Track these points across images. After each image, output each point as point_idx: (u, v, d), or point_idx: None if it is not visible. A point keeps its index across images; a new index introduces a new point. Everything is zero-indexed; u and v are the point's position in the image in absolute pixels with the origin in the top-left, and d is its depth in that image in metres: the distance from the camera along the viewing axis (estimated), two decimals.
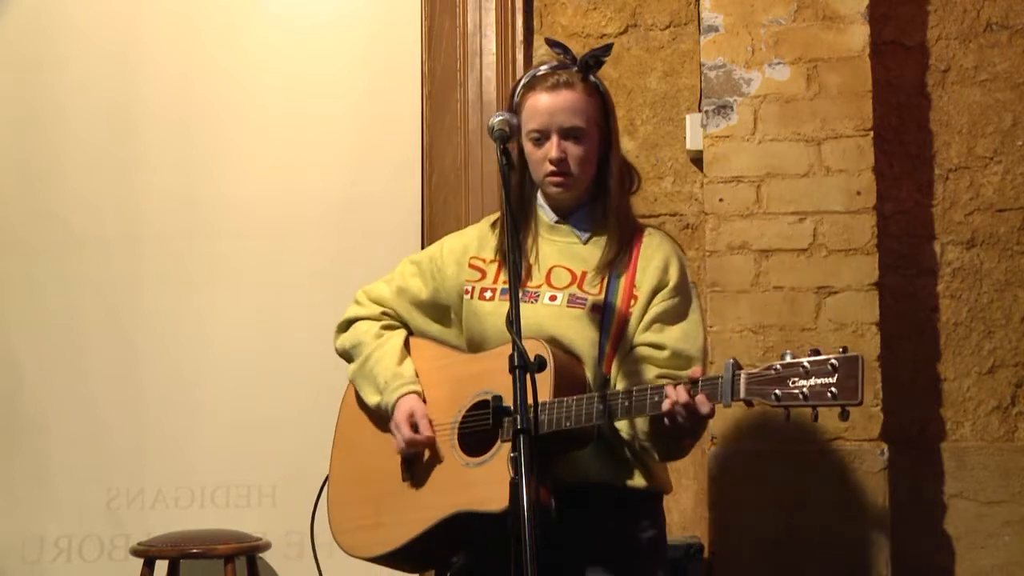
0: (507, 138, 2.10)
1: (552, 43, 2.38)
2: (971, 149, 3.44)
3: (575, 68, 2.29)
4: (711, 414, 2.00)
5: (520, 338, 1.89)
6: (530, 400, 1.85)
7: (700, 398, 1.97)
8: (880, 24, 3.39)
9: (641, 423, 2.14)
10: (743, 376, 1.95)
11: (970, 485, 3.32)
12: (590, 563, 2.20)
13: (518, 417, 1.83)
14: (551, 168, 2.26)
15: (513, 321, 1.91)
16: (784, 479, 3.16)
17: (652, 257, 2.29)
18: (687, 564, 3.08)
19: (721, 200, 3.29)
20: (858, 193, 3.24)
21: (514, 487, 1.77)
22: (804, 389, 1.88)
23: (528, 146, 2.29)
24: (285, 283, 3.68)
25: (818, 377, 1.88)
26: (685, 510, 3.38)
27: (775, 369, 1.92)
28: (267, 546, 3.40)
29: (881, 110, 3.35)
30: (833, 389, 1.86)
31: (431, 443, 2.25)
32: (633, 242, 2.30)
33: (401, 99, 3.71)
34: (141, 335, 3.72)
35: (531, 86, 2.30)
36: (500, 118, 2.10)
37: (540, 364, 1.94)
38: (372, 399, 2.36)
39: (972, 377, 3.39)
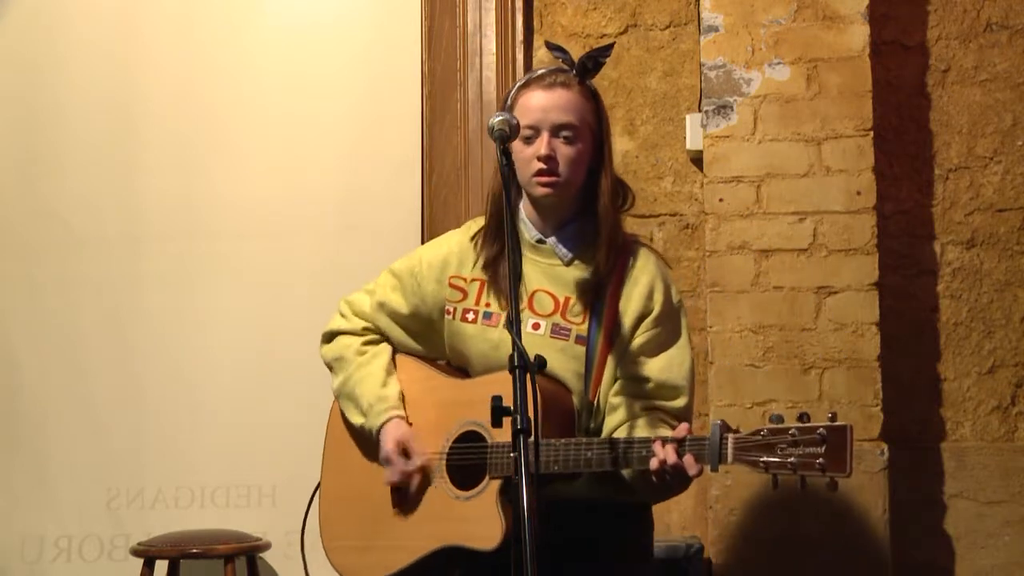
0: (507, 138, 2.06)
1: (552, 47, 2.33)
2: (971, 149, 3.45)
3: (573, 72, 2.24)
4: (699, 475, 1.97)
5: (520, 338, 1.87)
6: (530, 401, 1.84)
7: (688, 460, 1.94)
8: (880, 24, 3.40)
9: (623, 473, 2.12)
10: (730, 441, 1.91)
11: (970, 485, 3.32)
12: (575, 572, 2.16)
13: (518, 417, 1.81)
14: (539, 166, 2.18)
15: (513, 321, 1.89)
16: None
17: (637, 281, 2.22)
18: (687, 564, 3.08)
19: (721, 200, 3.29)
20: (858, 193, 3.24)
21: (513, 487, 1.77)
22: (792, 458, 1.85)
23: (517, 145, 2.20)
24: (285, 283, 3.68)
25: (806, 446, 1.85)
26: (685, 510, 3.38)
27: (762, 434, 1.89)
28: (267, 546, 3.40)
29: (881, 110, 3.35)
30: (821, 460, 1.83)
31: (422, 471, 2.23)
32: (618, 263, 2.22)
33: (401, 99, 3.71)
34: (141, 335, 3.72)
35: (526, 85, 2.26)
36: (500, 118, 2.07)
37: (540, 364, 1.93)
38: (355, 420, 2.32)
39: (972, 377, 3.39)
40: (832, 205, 3.24)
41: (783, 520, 3.14)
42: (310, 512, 2.42)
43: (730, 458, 1.90)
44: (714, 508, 3.20)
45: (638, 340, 2.19)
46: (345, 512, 2.35)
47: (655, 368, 2.18)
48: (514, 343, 1.86)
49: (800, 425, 1.86)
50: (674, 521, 3.36)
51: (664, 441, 1.97)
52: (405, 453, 2.23)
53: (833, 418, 1.85)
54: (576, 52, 3.55)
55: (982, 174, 3.44)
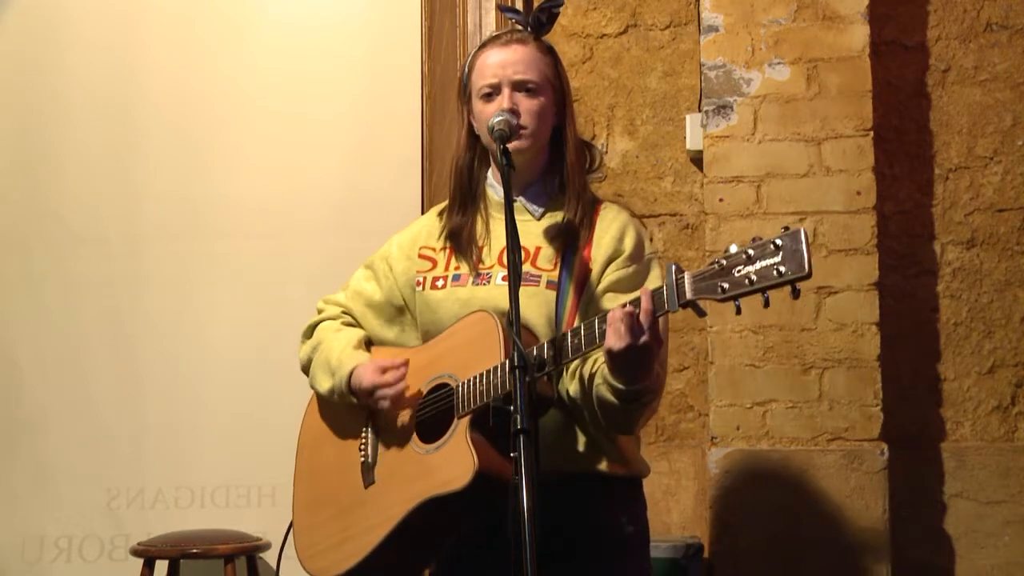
0: (507, 138, 2.06)
1: (504, 8, 2.34)
2: (971, 149, 3.45)
3: (528, 29, 2.21)
4: (655, 325, 1.85)
5: (520, 338, 1.85)
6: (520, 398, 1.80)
7: (643, 305, 1.84)
8: (880, 24, 3.40)
9: (592, 375, 2.02)
10: (687, 277, 1.81)
11: (970, 485, 3.32)
12: (566, 565, 2.05)
13: (518, 417, 1.79)
14: None
15: (513, 322, 1.88)
16: (784, 479, 3.17)
17: (608, 229, 2.18)
18: (687, 564, 3.08)
19: (721, 200, 3.29)
20: (858, 193, 3.24)
21: (514, 488, 1.74)
22: (751, 275, 1.74)
23: (479, 106, 2.17)
24: (285, 283, 3.68)
25: (763, 260, 1.73)
26: (685, 510, 3.38)
27: (719, 264, 1.78)
28: (267, 546, 3.40)
29: (881, 110, 3.35)
30: (780, 267, 1.71)
31: (404, 376, 2.12)
32: (590, 216, 2.19)
33: (401, 99, 3.71)
34: (141, 335, 3.72)
35: (482, 47, 2.23)
36: (500, 118, 2.07)
37: (540, 364, 1.92)
38: (325, 384, 2.23)
39: (972, 377, 3.39)
40: (832, 205, 3.24)
41: (783, 520, 3.14)
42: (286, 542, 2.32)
43: (689, 293, 1.81)
44: (714, 508, 3.20)
45: (609, 278, 2.15)
46: (318, 517, 2.26)
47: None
48: (515, 343, 1.85)
49: (753, 243, 1.77)
50: (674, 521, 3.36)
51: (621, 305, 1.90)
52: (383, 369, 2.14)
53: (787, 229, 1.75)
54: (577, 52, 3.55)
55: (982, 174, 3.44)
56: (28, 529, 3.66)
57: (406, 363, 2.15)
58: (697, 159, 3.47)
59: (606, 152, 3.57)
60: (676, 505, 3.36)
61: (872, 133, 3.25)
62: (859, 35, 3.28)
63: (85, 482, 3.66)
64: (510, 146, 2.11)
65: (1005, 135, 3.43)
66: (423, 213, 3.64)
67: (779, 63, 3.30)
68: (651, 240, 2.29)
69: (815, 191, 3.25)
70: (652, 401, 2.03)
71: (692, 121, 3.46)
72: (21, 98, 3.83)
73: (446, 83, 3.63)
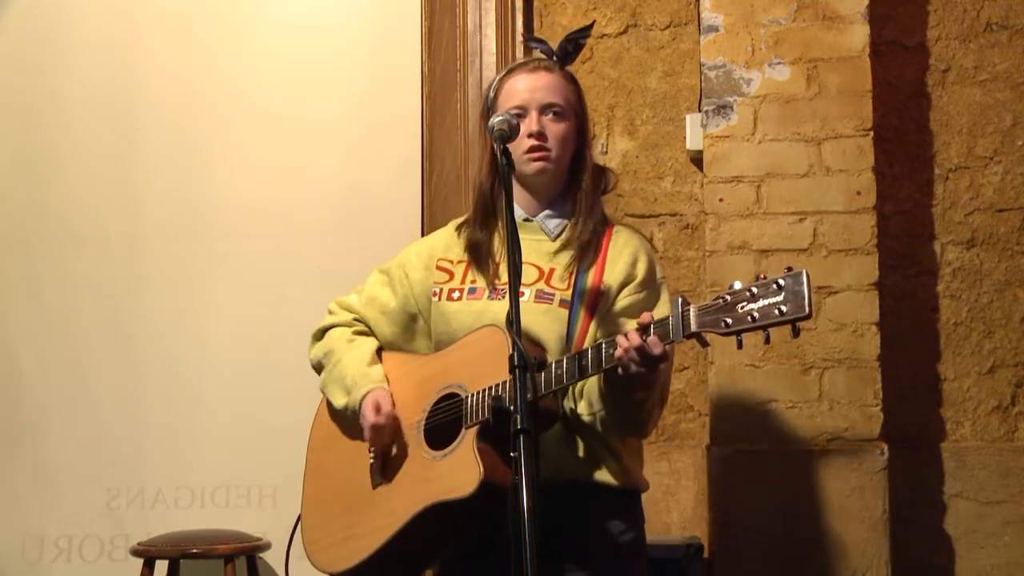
0: (507, 138, 2.08)
1: (531, 38, 2.44)
2: (971, 149, 3.45)
3: (554, 59, 2.31)
4: (664, 356, 1.95)
5: (520, 338, 1.88)
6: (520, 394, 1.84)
7: (652, 339, 1.93)
8: (880, 24, 3.40)
9: (595, 393, 2.10)
10: (692, 311, 1.90)
11: (970, 485, 3.32)
12: (562, 568, 2.12)
13: (518, 417, 1.81)
14: (532, 143, 2.23)
15: (513, 321, 1.90)
16: (784, 479, 3.17)
17: (620, 253, 2.25)
18: (687, 564, 3.08)
19: (721, 200, 3.29)
20: (858, 193, 3.24)
21: (514, 488, 1.76)
22: (753, 312, 1.83)
23: None
24: (285, 283, 3.69)
25: (765, 298, 1.83)
26: (685, 510, 3.38)
27: (723, 299, 1.87)
28: (267, 546, 3.40)
29: (881, 110, 3.35)
30: (782, 307, 1.80)
31: (395, 424, 2.20)
32: (602, 239, 2.27)
33: (401, 99, 3.72)
34: (141, 335, 3.72)
35: (508, 73, 2.32)
36: (500, 118, 2.09)
37: (540, 364, 1.93)
38: (340, 401, 2.30)
39: (972, 377, 3.39)
40: (832, 205, 3.24)
41: (782, 520, 3.14)
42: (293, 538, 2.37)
43: (694, 326, 1.89)
44: (714, 508, 3.20)
45: (621, 303, 2.21)
46: (326, 514, 2.32)
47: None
48: (514, 343, 1.86)
49: (758, 282, 1.85)
50: (674, 521, 3.37)
51: (627, 332, 1.98)
52: (378, 409, 2.21)
53: (790, 269, 1.84)
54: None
55: (982, 174, 3.44)
56: (28, 529, 3.67)
57: (393, 420, 2.22)
58: (697, 159, 3.47)
59: (606, 152, 3.57)
60: (676, 505, 3.36)
61: (872, 133, 3.25)
62: (859, 35, 3.28)
63: (85, 482, 3.67)
64: (534, 167, 2.23)
65: (1005, 135, 3.43)
66: (423, 213, 3.67)
67: (779, 63, 3.30)
68: (659, 257, 2.34)
69: (815, 191, 3.25)
70: (659, 396, 2.12)
71: (692, 121, 3.46)
72: (21, 98, 3.84)
73: (446, 83, 3.64)
